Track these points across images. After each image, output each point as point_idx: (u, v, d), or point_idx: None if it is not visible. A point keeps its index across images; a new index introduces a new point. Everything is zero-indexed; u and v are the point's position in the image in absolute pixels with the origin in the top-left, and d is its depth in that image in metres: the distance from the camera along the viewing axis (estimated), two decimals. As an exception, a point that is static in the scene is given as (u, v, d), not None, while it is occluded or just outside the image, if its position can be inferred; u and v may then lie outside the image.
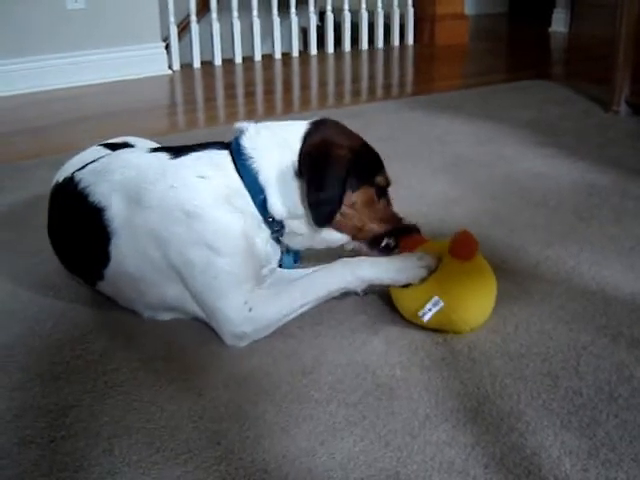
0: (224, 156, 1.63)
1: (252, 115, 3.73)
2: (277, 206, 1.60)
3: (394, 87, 4.47)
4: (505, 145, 2.98)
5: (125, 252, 1.61)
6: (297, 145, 1.60)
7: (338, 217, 1.60)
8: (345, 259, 1.62)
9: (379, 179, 1.67)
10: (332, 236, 1.67)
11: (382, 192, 1.69)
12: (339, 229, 1.65)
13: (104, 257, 1.64)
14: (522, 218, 2.23)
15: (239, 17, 4.94)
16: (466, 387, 1.41)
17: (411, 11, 5.67)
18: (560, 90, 3.98)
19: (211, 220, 1.54)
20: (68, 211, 1.76)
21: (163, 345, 1.58)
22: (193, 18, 4.84)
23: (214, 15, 4.86)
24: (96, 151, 1.91)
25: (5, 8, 4.12)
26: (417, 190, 2.47)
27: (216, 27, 4.87)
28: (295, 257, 1.77)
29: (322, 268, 1.63)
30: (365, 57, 5.36)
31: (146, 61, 4.62)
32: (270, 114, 3.78)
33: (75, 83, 4.38)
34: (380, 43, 5.61)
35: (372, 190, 1.64)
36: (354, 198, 1.61)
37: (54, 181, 1.87)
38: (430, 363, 1.49)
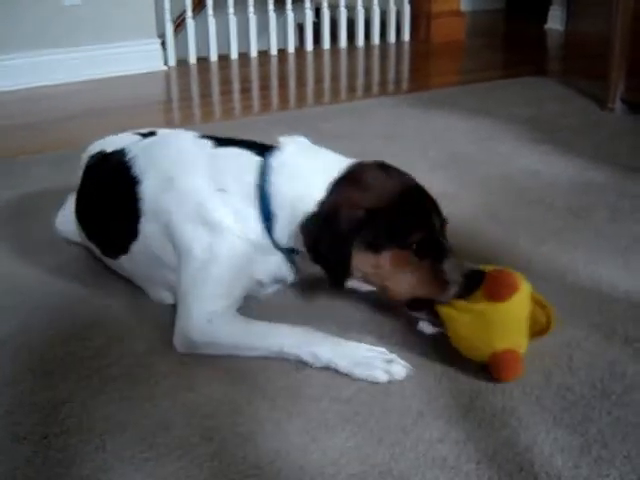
0: (253, 168, 1.59)
1: (248, 111, 3.73)
2: (283, 238, 1.57)
3: (390, 83, 4.46)
4: (501, 142, 2.98)
5: (149, 230, 1.66)
6: (318, 193, 1.50)
7: (359, 275, 1.52)
8: (312, 330, 1.52)
9: (415, 237, 1.45)
10: (355, 284, 1.64)
11: (429, 249, 1.47)
12: (366, 282, 1.57)
13: (132, 232, 1.68)
14: (518, 215, 2.23)
15: (235, 13, 4.93)
16: (459, 384, 1.41)
17: (407, 8, 5.66)
18: (556, 87, 3.98)
19: (221, 232, 1.56)
20: (107, 178, 1.80)
21: (157, 341, 1.58)
22: (189, 14, 4.83)
23: (210, 11, 4.85)
24: (127, 136, 1.98)
25: (1, 3, 4.11)
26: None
27: (212, 23, 4.85)
28: None
29: (290, 328, 1.53)
30: (361, 53, 5.34)
31: (142, 57, 4.60)
32: (266, 110, 3.77)
33: (71, 79, 4.36)
34: (376, 39, 5.60)
35: (405, 252, 1.46)
36: (379, 261, 1.47)
37: (87, 154, 1.95)
38: (423, 360, 1.49)
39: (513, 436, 1.26)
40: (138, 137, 1.96)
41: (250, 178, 1.58)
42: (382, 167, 1.55)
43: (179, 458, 1.24)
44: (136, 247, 1.69)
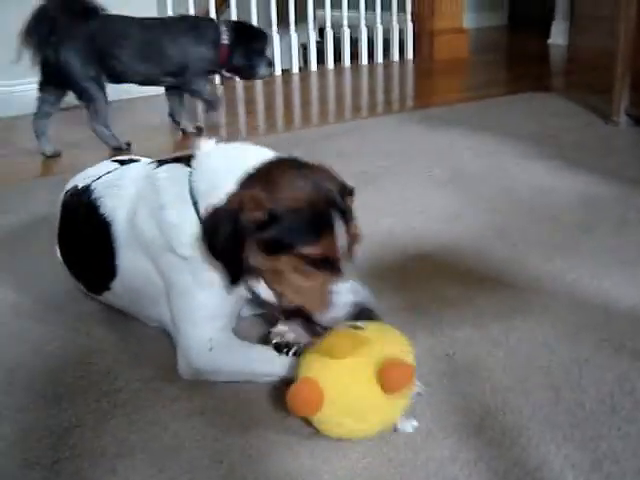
0: (184, 178, 1.56)
1: (253, 132, 3.74)
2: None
3: (394, 102, 4.48)
4: (506, 158, 2.99)
5: (127, 267, 1.66)
6: (230, 188, 1.44)
7: (255, 274, 1.45)
8: None
9: (308, 249, 1.36)
10: (262, 291, 1.51)
11: (323, 263, 1.38)
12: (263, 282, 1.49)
13: (111, 270, 1.68)
14: (524, 231, 2.23)
15: (239, 35, 4.96)
16: (468, 402, 1.41)
17: (410, 26, 5.69)
18: (560, 102, 3.99)
19: (185, 253, 1.53)
20: (80, 220, 1.80)
21: (165, 364, 1.58)
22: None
23: (214, 33, 4.88)
24: (105, 165, 1.97)
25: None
26: (418, 205, 2.47)
27: (217, 45, 4.88)
28: None
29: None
30: (365, 72, 5.37)
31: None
32: (271, 131, 3.79)
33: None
34: (380, 58, 5.63)
35: (297, 260, 1.37)
36: (271, 263, 1.40)
37: (65, 191, 1.94)
38: (432, 378, 1.48)
39: (524, 454, 1.26)
40: (114, 165, 1.94)
41: (182, 186, 1.54)
42: (298, 167, 1.47)
43: (189, 481, 1.24)
44: (117, 284, 1.70)
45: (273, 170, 1.45)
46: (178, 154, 1.71)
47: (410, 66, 5.55)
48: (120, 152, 3.18)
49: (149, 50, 3.30)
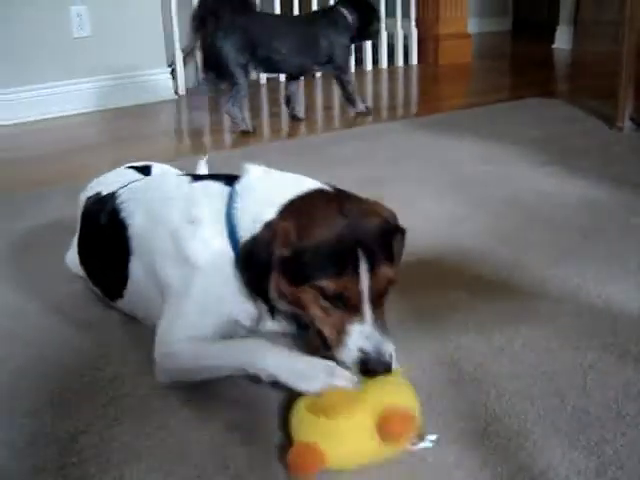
0: (222, 196, 1.56)
1: (258, 138, 3.75)
2: None
3: (399, 107, 4.49)
4: (510, 164, 2.99)
5: (137, 275, 1.68)
6: (270, 217, 1.44)
7: (290, 299, 1.44)
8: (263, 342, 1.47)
9: (325, 283, 1.34)
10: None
11: (342, 302, 1.36)
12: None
13: (124, 277, 1.70)
14: (528, 236, 2.24)
15: (244, 41, 4.99)
16: (473, 408, 1.41)
17: (414, 31, 5.71)
18: (564, 107, 4.00)
19: (193, 266, 1.53)
20: (100, 225, 1.81)
21: (172, 370, 1.59)
22: (198, 44, 4.88)
23: (219, 39, 4.91)
24: (123, 172, 2.02)
25: (10, 37, 4.18)
26: (422, 210, 2.48)
27: (221, 51, 4.91)
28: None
29: (244, 342, 1.52)
30: (370, 78, 5.39)
31: (152, 86, 4.67)
32: (276, 137, 3.80)
33: (82, 110, 4.43)
34: (384, 63, 5.65)
35: (315, 292, 1.37)
36: (293, 291, 1.41)
37: (85, 196, 1.97)
38: (437, 384, 1.49)
39: (529, 460, 1.26)
40: (133, 172, 1.99)
41: (220, 206, 1.54)
42: (338, 201, 1.44)
43: (196, 487, 1.25)
44: (129, 291, 1.72)
45: (311, 203, 1.45)
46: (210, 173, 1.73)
47: (414, 71, 5.57)
48: (247, 135, 3.77)
49: (305, 43, 3.86)
